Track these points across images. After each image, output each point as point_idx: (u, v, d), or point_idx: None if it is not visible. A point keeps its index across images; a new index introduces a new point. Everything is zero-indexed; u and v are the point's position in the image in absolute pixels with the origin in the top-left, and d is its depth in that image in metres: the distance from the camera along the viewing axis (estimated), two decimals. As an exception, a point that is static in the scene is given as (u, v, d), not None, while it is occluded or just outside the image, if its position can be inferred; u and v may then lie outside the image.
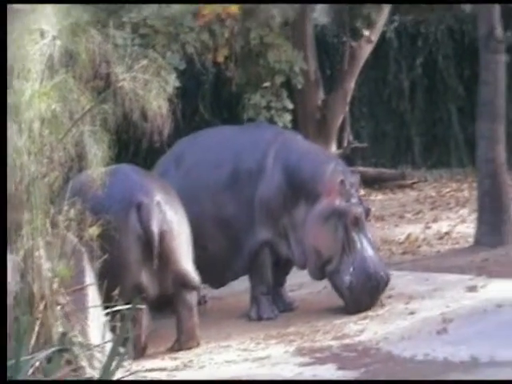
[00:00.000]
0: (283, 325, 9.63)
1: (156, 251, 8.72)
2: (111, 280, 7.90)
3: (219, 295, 10.91)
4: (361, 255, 9.83)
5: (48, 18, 7.33)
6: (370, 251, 9.95)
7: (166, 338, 9.34)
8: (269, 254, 10.15)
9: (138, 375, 7.58)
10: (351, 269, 9.77)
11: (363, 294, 9.76)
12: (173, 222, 9.21)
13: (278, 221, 10.22)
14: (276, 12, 13.82)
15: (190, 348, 9.13)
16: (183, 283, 9.27)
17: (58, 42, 7.23)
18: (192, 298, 9.35)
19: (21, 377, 5.88)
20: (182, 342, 9.08)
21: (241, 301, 10.45)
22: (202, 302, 10.49)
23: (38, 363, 6.20)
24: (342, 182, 9.85)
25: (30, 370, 6.00)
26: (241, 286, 10.72)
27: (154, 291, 8.95)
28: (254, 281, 10.29)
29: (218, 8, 13.43)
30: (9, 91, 7.00)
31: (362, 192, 16.51)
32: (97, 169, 7.38)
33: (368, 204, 10.34)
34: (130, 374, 7.05)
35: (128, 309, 7.49)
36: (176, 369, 8.40)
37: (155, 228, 8.77)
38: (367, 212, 10.23)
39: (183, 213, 9.62)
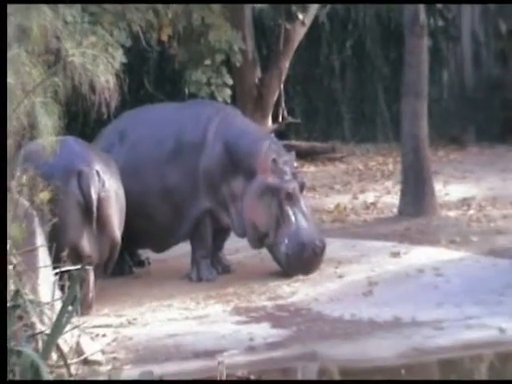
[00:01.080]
0: (221, 286, 9.86)
1: (94, 216, 8.98)
2: (55, 242, 8.00)
3: (162, 258, 10.96)
4: (295, 228, 10.07)
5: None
6: (304, 223, 10.20)
7: (111, 297, 9.39)
8: (210, 221, 10.43)
9: (85, 331, 7.68)
10: (286, 241, 9.97)
11: (300, 263, 9.97)
12: (110, 191, 9.41)
13: (219, 191, 10.43)
14: None
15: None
16: (115, 247, 9.53)
17: (13, 18, 7.22)
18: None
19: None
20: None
21: (182, 263, 10.58)
22: (146, 263, 10.85)
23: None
24: (275, 160, 10.13)
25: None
26: (182, 249, 10.76)
27: (94, 254, 9.06)
28: (195, 245, 10.50)
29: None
30: None
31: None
32: (47, 138, 7.47)
33: (303, 178, 10.48)
34: (74, 328, 7.12)
35: (76, 269, 7.60)
36: (121, 325, 8.57)
37: (93, 194, 8.98)
38: (302, 186, 10.48)
39: (120, 183, 9.82)
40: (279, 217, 10.00)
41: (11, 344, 5.73)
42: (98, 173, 9.13)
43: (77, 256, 8.85)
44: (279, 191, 10.03)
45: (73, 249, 8.87)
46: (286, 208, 10.11)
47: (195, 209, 10.11)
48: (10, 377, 5.43)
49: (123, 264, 10.45)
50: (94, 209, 8.96)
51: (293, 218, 10.07)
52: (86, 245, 9.06)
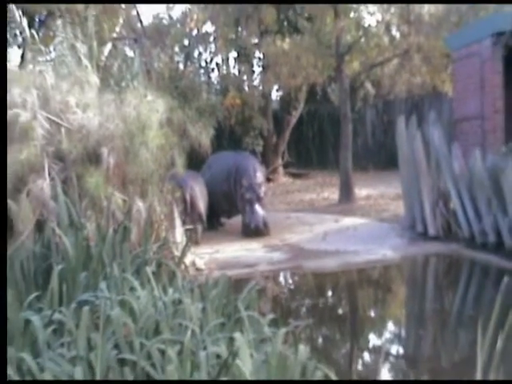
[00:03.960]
0: (257, 236, 9.83)
1: (188, 203, 9.29)
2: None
3: (230, 222, 11.03)
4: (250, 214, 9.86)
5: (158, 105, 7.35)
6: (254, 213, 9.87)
7: (208, 239, 9.65)
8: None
9: (196, 254, 8.13)
10: (247, 219, 9.91)
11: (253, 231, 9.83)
12: (196, 192, 9.61)
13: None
14: (256, 101, 15.04)
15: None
16: (201, 218, 9.73)
17: (164, 115, 7.25)
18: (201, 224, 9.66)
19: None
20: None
21: (239, 224, 10.37)
22: (222, 225, 11.14)
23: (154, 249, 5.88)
24: (247, 183, 9.90)
25: (151, 253, 5.64)
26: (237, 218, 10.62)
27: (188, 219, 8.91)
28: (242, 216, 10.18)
29: (229, 100, 14.03)
30: (141, 135, 6.91)
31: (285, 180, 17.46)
32: (179, 170, 7.66)
33: (259, 192, 10.03)
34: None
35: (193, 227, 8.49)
36: (212, 252, 8.74)
37: (187, 194, 9.24)
38: (258, 196, 9.90)
39: (204, 188, 10.00)
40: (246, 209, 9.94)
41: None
42: (191, 186, 9.53)
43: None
44: (246, 198, 9.97)
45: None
46: (247, 205, 9.98)
47: (237, 201, 10.19)
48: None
49: (213, 224, 10.76)
50: (189, 200, 9.36)
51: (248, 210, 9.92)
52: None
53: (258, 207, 9.87)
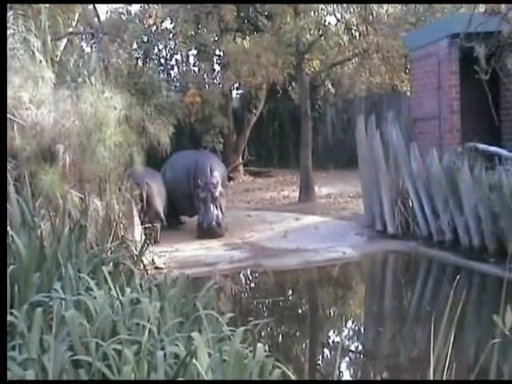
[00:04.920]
0: (210, 236, 9.62)
1: (145, 201, 9.03)
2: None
3: (190, 220, 10.76)
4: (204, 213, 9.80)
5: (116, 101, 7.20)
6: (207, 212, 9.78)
7: (167, 238, 9.42)
8: None
9: (155, 253, 7.99)
10: (200, 219, 9.86)
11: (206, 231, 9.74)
12: (153, 189, 9.50)
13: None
14: (216, 99, 14.64)
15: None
16: (158, 216, 9.52)
17: (122, 112, 7.22)
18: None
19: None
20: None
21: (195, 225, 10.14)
22: (182, 223, 10.96)
23: (112, 248, 5.88)
24: (203, 182, 9.82)
25: (109, 252, 5.55)
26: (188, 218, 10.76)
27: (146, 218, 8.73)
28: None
29: (189, 98, 13.86)
30: (99, 132, 6.84)
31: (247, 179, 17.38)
32: (138, 167, 7.63)
33: (214, 191, 9.92)
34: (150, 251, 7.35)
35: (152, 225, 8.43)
36: (172, 251, 8.69)
37: (144, 191, 9.00)
38: (212, 195, 9.81)
39: (162, 186, 9.91)
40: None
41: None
42: (147, 183, 9.32)
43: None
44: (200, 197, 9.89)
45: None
46: (201, 204, 9.88)
47: (196, 200, 10.00)
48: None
49: (173, 223, 10.54)
50: (145, 197, 9.09)
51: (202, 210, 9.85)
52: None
53: (212, 207, 9.71)
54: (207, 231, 9.66)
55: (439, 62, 9.69)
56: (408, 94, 14.44)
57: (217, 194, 9.81)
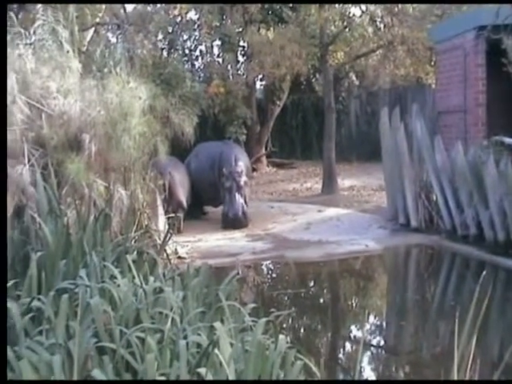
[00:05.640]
0: (235, 227, 9.65)
1: (167, 190, 8.92)
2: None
3: (214, 210, 10.72)
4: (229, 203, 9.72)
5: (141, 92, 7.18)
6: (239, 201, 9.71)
7: (190, 228, 9.52)
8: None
9: (178, 243, 8.01)
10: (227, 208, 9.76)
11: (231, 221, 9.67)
12: (176, 180, 9.48)
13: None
14: (240, 90, 14.54)
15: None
16: (181, 206, 9.57)
17: (147, 102, 7.22)
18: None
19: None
20: None
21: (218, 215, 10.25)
22: (205, 213, 11.01)
23: (136, 237, 5.78)
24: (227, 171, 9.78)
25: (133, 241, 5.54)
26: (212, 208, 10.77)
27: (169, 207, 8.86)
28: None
29: (213, 88, 13.81)
30: (124, 121, 6.83)
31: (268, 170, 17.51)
32: (162, 157, 7.68)
33: (239, 180, 9.88)
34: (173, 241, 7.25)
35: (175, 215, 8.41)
36: (195, 241, 8.72)
37: (166, 181, 8.85)
38: (237, 184, 9.74)
39: (185, 176, 9.91)
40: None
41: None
42: (170, 172, 9.27)
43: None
44: (226, 186, 9.85)
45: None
46: (226, 194, 9.83)
47: (221, 190, 9.97)
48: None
49: (196, 213, 10.62)
50: (167, 187, 8.97)
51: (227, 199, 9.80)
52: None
53: (237, 196, 9.64)
54: (233, 221, 9.62)
55: (465, 55, 9.52)
56: (433, 86, 14.24)
57: (242, 183, 9.75)
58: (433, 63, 13.61)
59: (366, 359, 4.85)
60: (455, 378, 2.17)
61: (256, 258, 8.09)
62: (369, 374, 4.62)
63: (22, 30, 7.05)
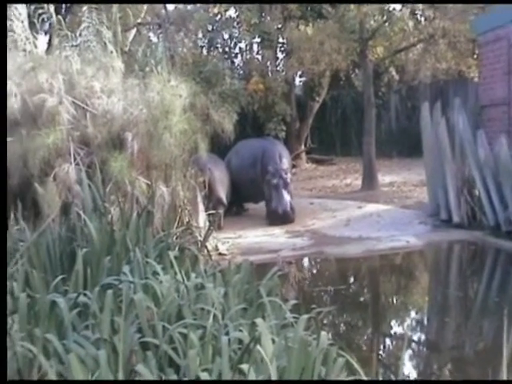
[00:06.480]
0: (284, 222, 9.74)
1: (207, 186, 8.81)
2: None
3: (254, 207, 10.97)
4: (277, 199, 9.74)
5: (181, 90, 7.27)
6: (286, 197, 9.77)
7: (231, 224, 9.64)
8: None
9: (219, 239, 8.09)
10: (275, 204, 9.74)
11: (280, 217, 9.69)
12: (216, 176, 9.53)
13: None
14: (279, 87, 14.71)
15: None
16: (221, 202, 9.65)
17: (187, 100, 7.31)
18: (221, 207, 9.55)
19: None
20: None
21: (262, 210, 10.34)
22: (245, 210, 11.06)
23: (177, 234, 5.90)
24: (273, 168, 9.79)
25: (174, 238, 5.62)
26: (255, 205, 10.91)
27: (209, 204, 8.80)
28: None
29: (252, 85, 13.83)
30: (165, 119, 6.88)
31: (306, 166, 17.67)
32: (202, 154, 7.58)
33: (286, 177, 9.94)
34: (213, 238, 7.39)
35: (213, 212, 8.31)
36: (235, 238, 8.78)
37: (206, 177, 8.76)
38: (284, 181, 9.82)
39: (225, 172, 9.96)
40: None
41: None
42: (209, 169, 9.28)
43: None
44: (273, 183, 9.84)
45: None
46: (273, 191, 9.83)
47: (263, 187, 10.02)
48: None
49: (237, 209, 10.81)
50: (207, 183, 8.87)
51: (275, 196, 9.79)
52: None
53: (284, 192, 9.70)
54: (282, 217, 9.61)
55: (510, 46, 9.23)
56: (475, 79, 13.87)
57: (288, 180, 9.80)
58: (475, 56, 13.24)
59: (409, 357, 4.78)
60: (504, 376, 2.08)
61: (296, 255, 8.06)
62: (412, 371, 4.54)
63: (69, 33, 7.17)
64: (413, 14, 13.84)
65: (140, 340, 3.20)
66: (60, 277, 4.05)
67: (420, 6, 13.22)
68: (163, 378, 3.00)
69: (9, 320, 3.23)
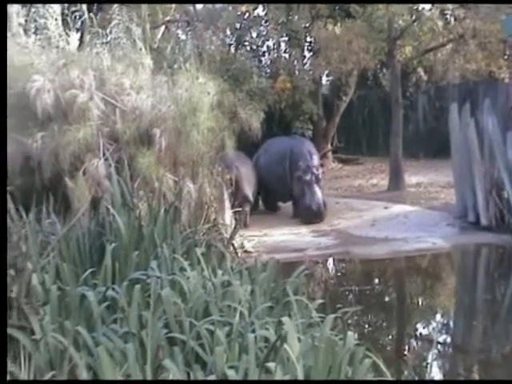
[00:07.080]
0: (316, 219, 9.66)
1: (234, 184, 8.70)
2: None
3: (285, 205, 10.74)
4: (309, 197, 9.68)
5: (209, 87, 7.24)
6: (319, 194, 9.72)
7: (257, 222, 9.58)
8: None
9: (245, 237, 8.03)
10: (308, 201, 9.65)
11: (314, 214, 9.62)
12: (242, 173, 9.45)
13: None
14: (306, 85, 14.60)
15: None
16: (247, 200, 9.55)
17: (215, 98, 7.23)
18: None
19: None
20: None
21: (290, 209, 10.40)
22: (277, 209, 10.87)
23: (204, 231, 5.94)
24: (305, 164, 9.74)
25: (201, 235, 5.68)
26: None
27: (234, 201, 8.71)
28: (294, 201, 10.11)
29: (279, 84, 13.81)
30: (193, 116, 6.87)
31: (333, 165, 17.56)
32: (229, 152, 7.62)
33: (318, 173, 9.92)
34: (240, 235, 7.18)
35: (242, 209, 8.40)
36: (261, 236, 8.76)
37: (232, 175, 8.67)
38: (316, 177, 9.77)
39: (251, 170, 9.91)
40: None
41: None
42: (236, 166, 9.18)
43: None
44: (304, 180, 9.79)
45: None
46: (305, 187, 9.75)
47: (292, 185, 9.97)
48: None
49: (271, 207, 10.76)
50: (234, 180, 8.79)
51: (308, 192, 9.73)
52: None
53: (317, 189, 9.65)
54: (316, 213, 9.57)
55: (542, 47, 9.03)
56: (506, 80, 13.60)
57: (320, 176, 9.78)
58: (506, 57, 12.99)
59: (436, 358, 4.76)
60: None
61: (322, 254, 8.04)
62: (438, 373, 4.51)
63: (100, 30, 7.24)
64: (442, 13, 13.62)
65: (167, 335, 3.21)
66: (89, 270, 4.07)
67: (450, 5, 13.00)
68: (190, 373, 2.99)
69: (40, 311, 3.26)
